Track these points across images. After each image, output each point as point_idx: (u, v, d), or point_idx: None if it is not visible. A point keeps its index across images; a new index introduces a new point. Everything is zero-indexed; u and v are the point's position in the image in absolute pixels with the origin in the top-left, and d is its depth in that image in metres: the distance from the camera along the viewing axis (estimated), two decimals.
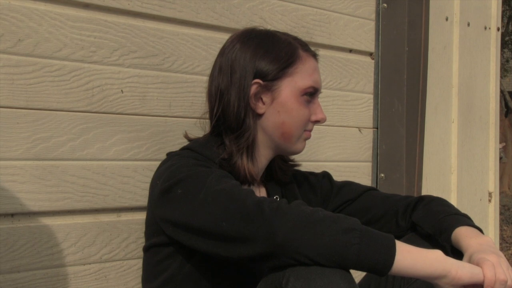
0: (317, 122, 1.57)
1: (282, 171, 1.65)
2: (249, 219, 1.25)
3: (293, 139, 1.54)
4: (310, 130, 1.57)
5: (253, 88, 1.49)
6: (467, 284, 1.27)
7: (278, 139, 1.53)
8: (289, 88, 1.50)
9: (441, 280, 1.25)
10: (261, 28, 1.58)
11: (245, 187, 1.54)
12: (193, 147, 1.52)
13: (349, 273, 1.23)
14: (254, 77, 1.49)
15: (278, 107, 1.51)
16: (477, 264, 1.30)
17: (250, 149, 1.50)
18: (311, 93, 1.53)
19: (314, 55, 1.57)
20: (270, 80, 1.50)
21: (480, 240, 1.40)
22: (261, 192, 1.63)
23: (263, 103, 1.51)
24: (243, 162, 1.49)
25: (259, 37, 1.53)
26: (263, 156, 1.56)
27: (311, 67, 1.54)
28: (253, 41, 1.52)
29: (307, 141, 1.59)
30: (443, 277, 1.25)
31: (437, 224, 1.51)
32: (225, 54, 1.53)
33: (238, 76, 1.49)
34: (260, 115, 1.52)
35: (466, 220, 1.50)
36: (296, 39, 1.56)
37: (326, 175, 1.75)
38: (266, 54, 1.50)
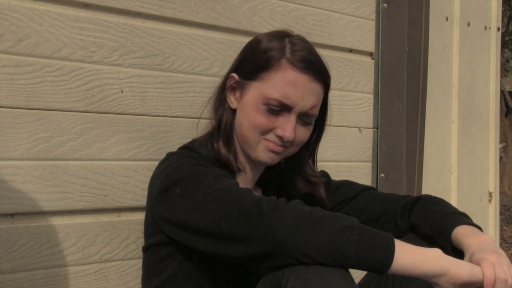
0: (280, 137, 1.49)
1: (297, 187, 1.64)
2: (248, 218, 1.25)
3: (249, 142, 1.50)
4: (275, 143, 1.49)
5: (230, 81, 1.54)
6: (466, 282, 1.26)
7: (240, 140, 1.53)
8: (254, 92, 1.49)
9: (440, 278, 1.25)
10: (290, 31, 1.56)
11: (242, 183, 1.54)
12: (191, 146, 1.53)
13: (349, 272, 1.23)
14: (234, 71, 1.53)
15: (242, 107, 1.51)
16: (477, 263, 1.29)
17: (224, 138, 1.52)
18: (276, 106, 1.46)
19: (305, 72, 1.46)
20: (243, 78, 1.51)
21: (480, 238, 1.40)
22: (257, 192, 1.63)
23: (235, 99, 1.54)
24: (220, 148, 1.51)
25: (269, 35, 1.53)
26: (243, 154, 1.55)
27: (286, 80, 1.46)
28: (261, 37, 1.54)
29: None
30: (442, 275, 1.25)
31: (435, 225, 1.51)
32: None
33: (232, 67, 1.56)
34: (233, 110, 1.54)
35: (464, 219, 1.49)
36: (296, 50, 1.48)
37: (324, 175, 1.75)
38: (253, 52, 1.51)
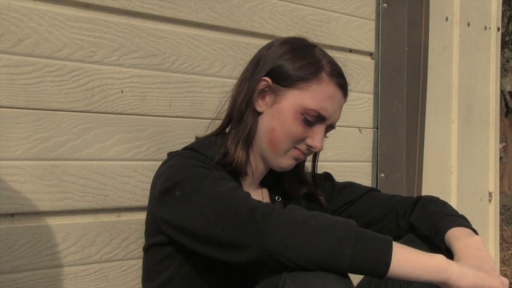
0: (310, 147, 1.51)
1: (293, 188, 1.64)
2: (241, 226, 1.25)
3: (279, 150, 1.50)
4: (302, 152, 1.51)
5: (261, 84, 1.50)
6: None
7: (265, 145, 1.51)
8: (292, 100, 1.48)
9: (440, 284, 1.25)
10: (310, 40, 1.56)
11: (246, 185, 1.54)
12: (195, 147, 1.52)
13: (347, 275, 1.23)
14: (267, 75, 1.49)
15: (275, 112, 1.49)
16: None
17: (244, 141, 1.50)
18: (313, 117, 1.48)
19: (341, 87, 1.51)
20: (279, 84, 1.49)
21: (468, 241, 1.40)
22: (263, 192, 1.62)
23: (265, 103, 1.51)
24: (237, 151, 1.49)
25: (296, 44, 1.53)
26: (258, 159, 1.55)
27: (326, 94, 1.48)
28: (289, 44, 1.52)
29: None
30: (442, 284, 1.25)
31: (432, 225, 1.50)
32: (264, 48, 1.55)
33: (258, 69, 1.51)
34: (259, 113, 1.52)
35: (460, 221, 1.48)
36: (331, 63, 1.52)
37: (328, 177, 1.75)
38: (289, 59, 1.49)
